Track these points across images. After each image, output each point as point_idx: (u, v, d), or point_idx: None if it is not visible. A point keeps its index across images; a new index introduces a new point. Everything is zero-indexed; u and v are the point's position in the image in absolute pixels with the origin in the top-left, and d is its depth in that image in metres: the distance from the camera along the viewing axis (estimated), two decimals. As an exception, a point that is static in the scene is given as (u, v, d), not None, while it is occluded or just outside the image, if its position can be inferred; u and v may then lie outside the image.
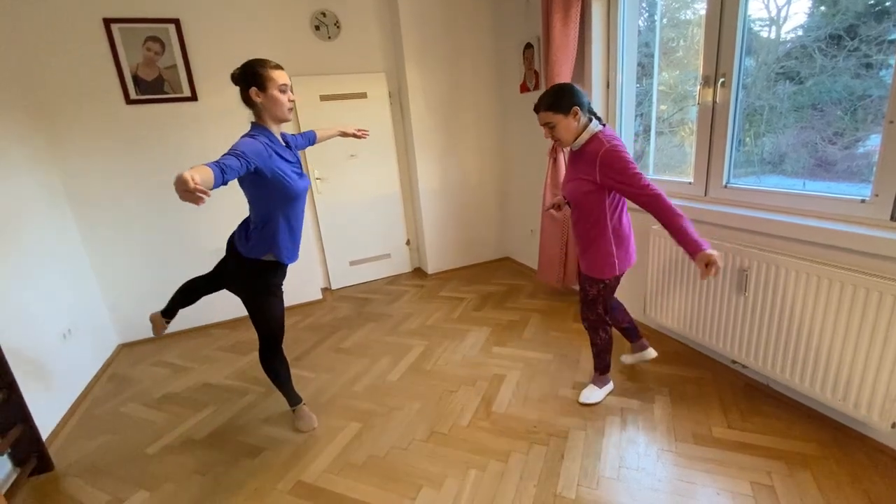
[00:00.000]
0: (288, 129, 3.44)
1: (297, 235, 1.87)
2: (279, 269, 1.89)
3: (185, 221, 3.22)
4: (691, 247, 1.57)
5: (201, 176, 1.23)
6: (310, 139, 2.18)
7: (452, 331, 3.01)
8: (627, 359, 2.36)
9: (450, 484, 1.74)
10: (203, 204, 1.19)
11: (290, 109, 1.72)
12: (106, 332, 3.11)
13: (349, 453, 1.95)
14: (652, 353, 2.28)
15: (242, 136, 1.61)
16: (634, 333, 2.27)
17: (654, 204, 1.61)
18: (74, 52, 2.76)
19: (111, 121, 2.92)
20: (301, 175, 1.78)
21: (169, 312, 2.16)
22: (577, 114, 1.70)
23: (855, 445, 1.73)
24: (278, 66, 1.69)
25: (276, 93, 1.66)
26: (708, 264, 1.52)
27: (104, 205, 3.00)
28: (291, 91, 1.72)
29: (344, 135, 2.30)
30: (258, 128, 1.70)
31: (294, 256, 1.89)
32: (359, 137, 2.31)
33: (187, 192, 1.15)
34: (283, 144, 1.77)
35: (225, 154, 1.45)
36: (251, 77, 1.65)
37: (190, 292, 2.10)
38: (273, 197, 1.70)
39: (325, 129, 2.29)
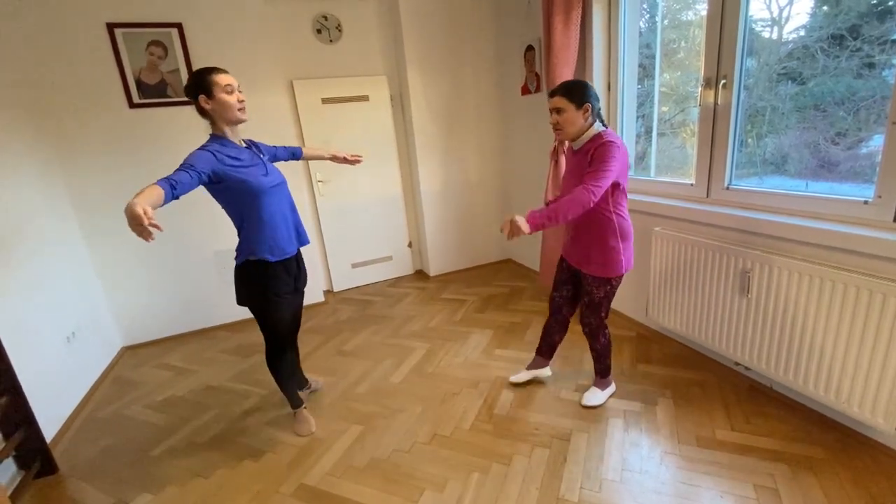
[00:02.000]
0: (289, 134, 3.46)
1: (278, 231, 1.84)
2: (270, 270, 1.85)
3: (188, 225, 3.23)
4: (541, 210, 1.61)
5: (151, 200, 1.31)
6: (294, 154, 2.20)
7: (454, 333, 3.00)
8: (521, 376, 2.35)
9: (452, 486, 1.73)
10: (153, 239, 1.25)
11: (241, 109, 1.74)
12: (109, 334, 3.12)
13: (351, 456, 1.96)
14: (547, 372, 2.37)
15: (193, 151, 1.66)
16: (550, 352, 2.30)
17: (583, 191, 1.60)
18: (78, 56, 2.78)
19: (114, 125, 2.94)
20: (266, 173, 1.81)
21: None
22: (587, 111, 1.73)
23: (859, 448, 1.72)
24: (223, 70, 1.72)
25: (222, 95, 1.69)
26: (511, 223, 1.57)
27: (108, 208, 3.01)
28: (240, 91, 1.74)
29: (335, 159, 2.28)
30: (212, 137, 1.75)
31: (280, 252, 1.86)
32: (351, 163, 2.30)
33: (140, 227, 1.21)
34: (244, 147, 1.82)
35: (176, 170, 1.52)
36: (198, 85, 1.68)
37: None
38: (240, 197, 1.74)
39: (316, 149, 2.31)
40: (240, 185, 1.71)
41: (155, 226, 1.23)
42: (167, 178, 1.45)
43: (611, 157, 1.64)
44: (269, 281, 1.86)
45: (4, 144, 2.37)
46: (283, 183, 1.90)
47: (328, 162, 3.60)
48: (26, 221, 2.41)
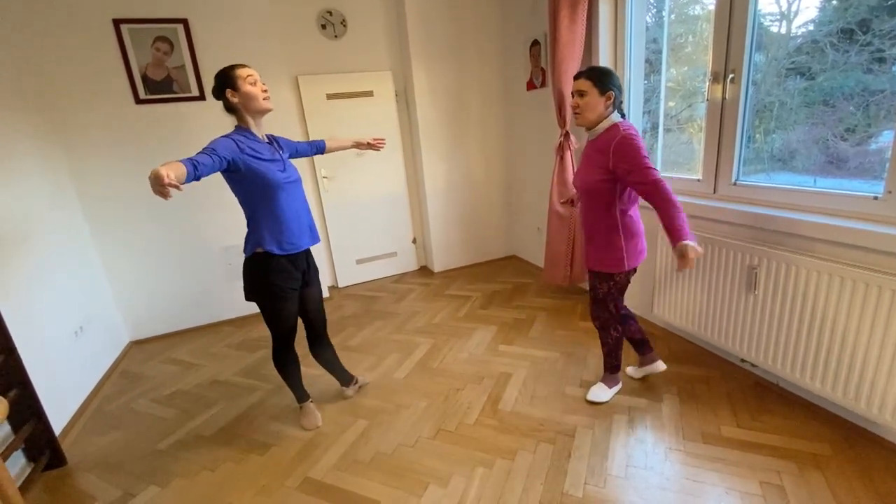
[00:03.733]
0: (294, 130, 3.46)
1: (289, 227, 1.85)
2: (275, 263, 1.85)
3: (195, 219, 3.25)
4: (675, 234, 1.55)
5: (175, 172, 1.34)
6: (318, 147, 2.21)
7: (459, 329, 3.01)
8: (635, 372, 2.26)
9: (456, 481, 1.74)
10: (170, 198, 1.29)
11: (266, 98, 1.78)
12: (117, 329, 3.14)
13: (356, 450, 1.97)
14: (661, 365, 2.19)
15: (217, 137, 1.70)
16: (645, 346, 2.18)
17: (655, 192, 1.58)
18: (85, 52, 2.79)
19: (121, 120, 2.95)
20: (283, 169, 1.83)
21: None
22: (609, 98, 1.72)
23: (867, 446, 1.71)
24: (244, 65, 1.77)
25: (247, 87, 1.73)
26: (682, 256, 1.51)
27: (114, 204, 3.03)
28: (263, 83, 1.78)
29: (359, 146, 2.30)
30: (237, 128, 1.79)
31: (289, 246, 1.86)
32: (375, 148, 2.31)
33: (161, 187, 1.25)
34: (266, 143, 1.84)
35: (199, 152, 1.55)
36: (223, 81, 1.73)
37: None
38: (255, 189, 1.76)
39: (337, 140, 2.32)
40: (256, 177, 1.73)
41: (174, 186, 1.26)
42: (190, 159, 1.47)
43: (638, 149, 1.63)
44: (273, 274, 1.85)
45: (9, 141, 2.38)
46: (298, 180, 1.92)
47: (332, 158, 3.63)
48: (35, 217, 2.43)
